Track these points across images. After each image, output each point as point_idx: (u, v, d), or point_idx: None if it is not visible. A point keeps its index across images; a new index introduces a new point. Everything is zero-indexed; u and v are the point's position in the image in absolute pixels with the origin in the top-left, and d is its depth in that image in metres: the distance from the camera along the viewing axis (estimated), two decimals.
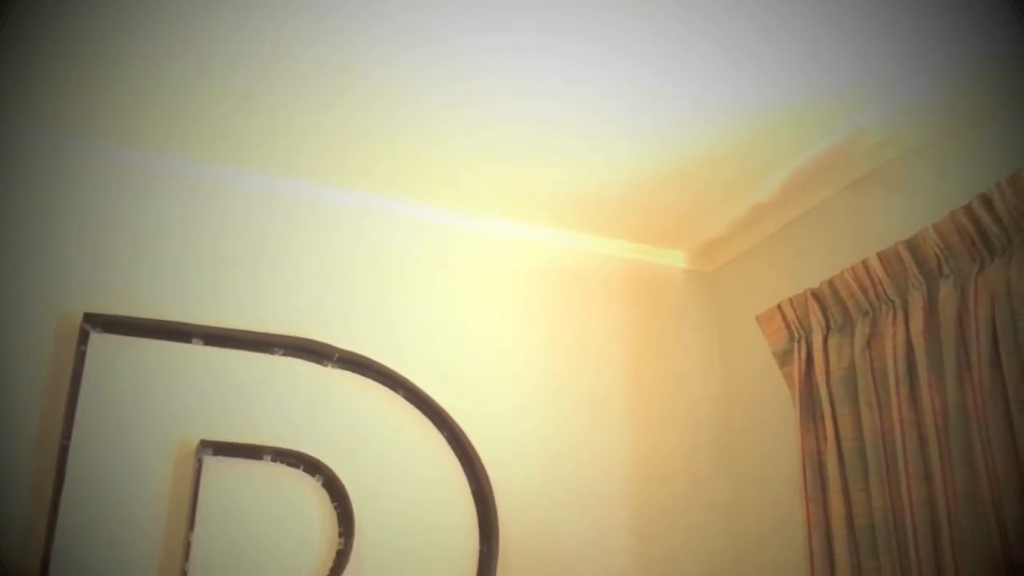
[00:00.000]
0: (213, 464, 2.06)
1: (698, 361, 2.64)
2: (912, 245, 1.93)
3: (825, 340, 2.11)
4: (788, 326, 2.21)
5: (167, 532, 1.99)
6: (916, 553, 1.81)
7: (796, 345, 2.19)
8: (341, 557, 2.10)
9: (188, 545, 1.97)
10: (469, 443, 2.28)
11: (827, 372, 2.08)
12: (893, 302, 1.98)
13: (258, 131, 2.15)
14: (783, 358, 2.22)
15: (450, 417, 2.29)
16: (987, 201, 1.78)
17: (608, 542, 2.37)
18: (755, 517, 2.43)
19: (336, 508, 2.14)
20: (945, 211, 1.88)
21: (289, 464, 2.13)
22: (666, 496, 2.47)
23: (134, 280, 2.14)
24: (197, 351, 2.13)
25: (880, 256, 2.00)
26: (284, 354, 2.20)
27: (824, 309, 2.13)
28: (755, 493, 2.45)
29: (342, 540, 2.12)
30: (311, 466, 2.14)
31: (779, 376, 2.30)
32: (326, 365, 2.24)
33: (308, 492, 2.13)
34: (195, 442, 2.05)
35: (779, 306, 2.23)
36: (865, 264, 2.03)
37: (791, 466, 2.23)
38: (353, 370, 2.26)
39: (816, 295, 2.14)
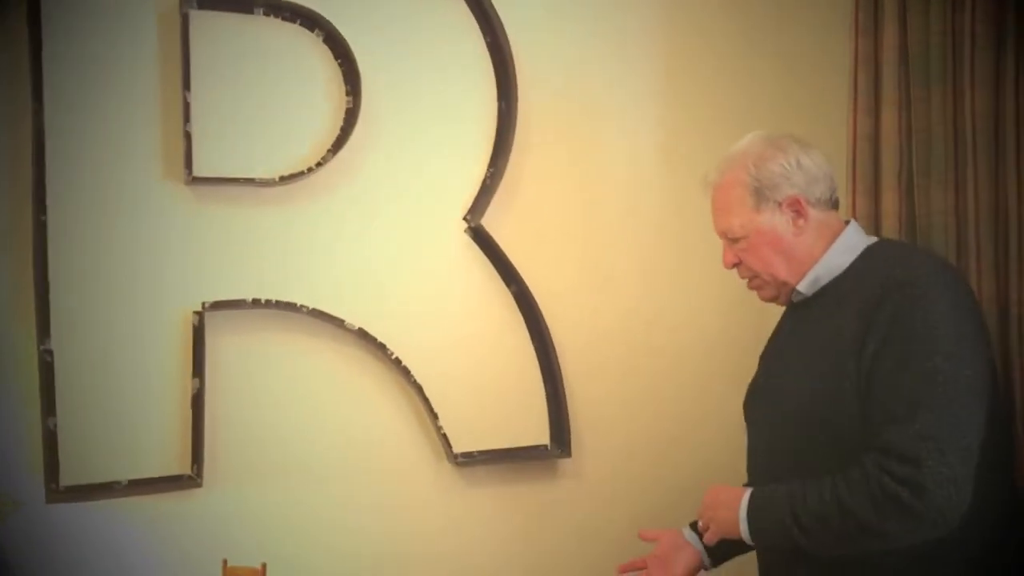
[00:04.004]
0: (200, 19, 1.90)
1: None
2: None
3: None
4: None
5: (163, 93, 1.89)
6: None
7: None
8: (351, 115, 2.00)
9: (187, 106, 1.88)
10: None
11: None
12: None
13: None
14: None
15: None
16: None
17: (638, 105, 2.24)
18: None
19: (341, 65, 2.00)
20: None
21: (284, 19, 1.97)
22: (701, 49, 2.27)
23: None
24: None
25: None
26: None
27: None
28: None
29: (350, 99, 2.01)
30: (309, 20, 1.98)
31: None
32: None
33: (309, 49, 1.99)
34: None
35: None
36: None
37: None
38: None
39: None
